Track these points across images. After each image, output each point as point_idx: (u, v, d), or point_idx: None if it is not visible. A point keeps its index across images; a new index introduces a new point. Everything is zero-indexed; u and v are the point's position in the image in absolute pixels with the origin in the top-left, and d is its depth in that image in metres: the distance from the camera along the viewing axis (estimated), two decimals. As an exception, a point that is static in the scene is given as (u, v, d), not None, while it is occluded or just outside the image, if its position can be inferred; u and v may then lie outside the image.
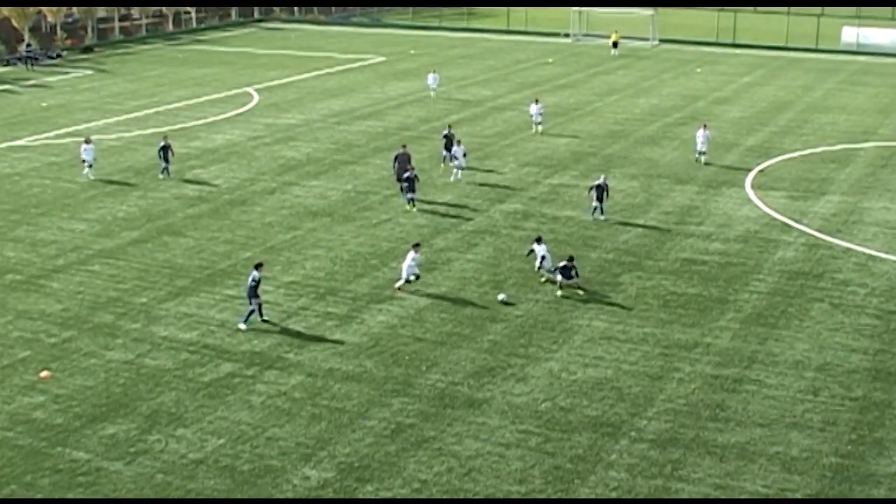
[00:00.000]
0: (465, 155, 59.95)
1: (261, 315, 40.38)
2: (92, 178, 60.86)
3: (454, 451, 31.22)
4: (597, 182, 52.12)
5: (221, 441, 32.09)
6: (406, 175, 54.05)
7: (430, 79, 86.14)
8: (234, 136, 72.25)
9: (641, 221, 52.13)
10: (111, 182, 60.36)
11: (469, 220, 52.47)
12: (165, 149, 61.25)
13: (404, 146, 58.64)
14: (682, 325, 39.90)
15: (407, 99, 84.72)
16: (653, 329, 39.52)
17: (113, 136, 72.90)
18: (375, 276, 45.10)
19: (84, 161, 61.27)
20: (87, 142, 61.59)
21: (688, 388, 34.85)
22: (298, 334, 39.63)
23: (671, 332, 39.20)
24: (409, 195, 54.08)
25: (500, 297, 42.51)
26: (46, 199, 57.96)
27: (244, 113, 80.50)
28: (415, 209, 53.75)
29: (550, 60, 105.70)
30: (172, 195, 58.12)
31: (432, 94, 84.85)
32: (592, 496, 28.77)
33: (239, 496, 29.11)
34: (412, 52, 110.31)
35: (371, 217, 53.13)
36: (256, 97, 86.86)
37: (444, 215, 53.38)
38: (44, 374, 36.87)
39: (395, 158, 57.79)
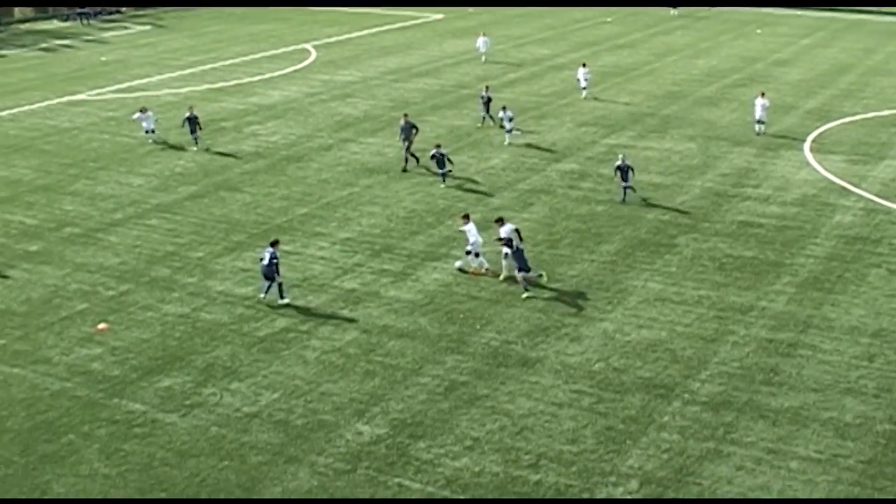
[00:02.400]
0: (511, 119, 59.15)
1: (281, 296, 38.93)
2: (151, 140, 60.32)
3: (507, 410, 31.29)
4: (617, 163, 49.51)
5: (275, 395, 32.34)
6: (432, 154, 52.18)
7: (480, 42, 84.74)
8: (291, 93, 72.41)
9: (698, 183, 51.78)
10: (168, 138, 60.67)
11: (525, 179, 52.33)
12: (191, 120, 58.71)
13: (405, 115, 56.10)
14: (737, 288, 39.67)
15: (464, 57, 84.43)
16: (708, 291, 39.33)
17: (170, 92, 73.25)
18: (431, 233, 45.15)
19: (146, 132, 60.39)
20: (143, 111, 60.83)
21: (742, 351, 34.69)
22: (353, 291, 39.79)
23: (726, 295, 38.99)
24: (441, 171, 51.78)
25: (457, 263, 41.80)
26: (104, 153, 58.46)
27: (301, 69, 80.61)
28: (443, 185, 51.69)
29: (609, 20, 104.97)
30: (230, 150, 58.40)
31: (483, 58, 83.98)
32: (644, 457, 28.76)
33: (292, 450, 29.34)
34: (470, 10, 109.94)
35: (427, 175, 53.10)
36: (314, 54, 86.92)
37: (500, 174, 53.27)
38: (101, 326, 37.30)
39: (401, 129, 54.86)
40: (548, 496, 27.32)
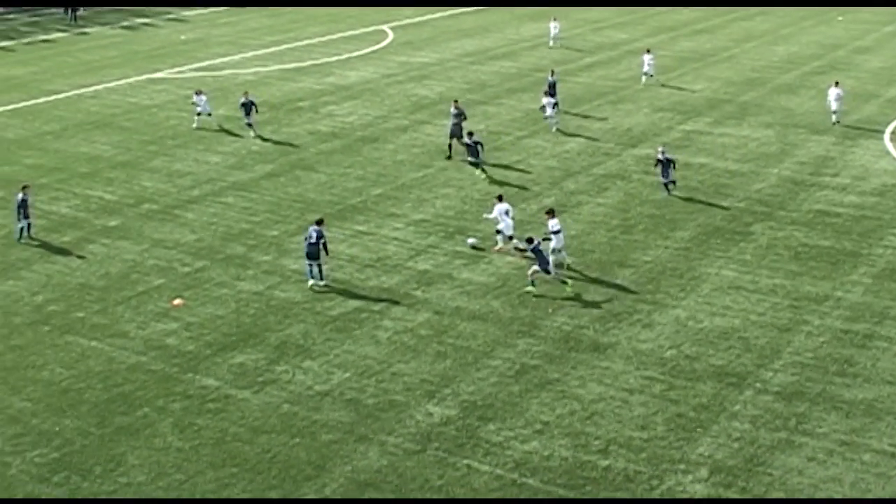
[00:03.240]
0: (555, 106, 58.29)
1: (321, 277, 38.94)
2: (195, 125, 59.20)
3: (577, 395, 31.30)
4: (658, 156, 48.33)
5: (347, 374, 32.58)
6: (465, 141, 51.33)
7: (552, 26, 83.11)
8: (367, 74, 72.64)
9: (775, 171, 51.31)
10: (244, 116, 61.10)
11: (600, 163, 52.17)
12: (247, 105, 57.53)
13: (456, 101, 55.77)
14: (812, 277, 39.31)
15: (542, 40, 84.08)
16: (782, 280, 39.02)
17: (249, 71, 73.80)
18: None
19: (200, 114, 59.22)
20: (199, 93, 59.99)
21: (816, 341, 34.40)
22: (426, 272, 39.93)
23: (801, 285, 38.65)
24: (472, 159, 50.78)
25: (470, 241, 41.89)
26: (183, 131, 59.04)
27: (378, 50, 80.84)
28: (481, 174, 50.57)
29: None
30: (306, 130, 58.76)
31: (550, 42, 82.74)
32: (714, 446, 28.64)
33: (362, 429, 29.55)
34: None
35: (501, 157, 53.07)
36: (391, 35, 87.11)
37: (575, 158, 53.15)
38: (177, 301, 37.75)
39: (452, 116, 53.93)
40: (616, 482, 27.32)
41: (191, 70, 74.50)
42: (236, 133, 58.16)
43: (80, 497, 27.08)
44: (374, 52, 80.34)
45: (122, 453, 28.81)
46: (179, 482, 27.60)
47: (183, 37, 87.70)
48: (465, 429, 29.64)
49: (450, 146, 52.85)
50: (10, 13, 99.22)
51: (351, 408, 30.75)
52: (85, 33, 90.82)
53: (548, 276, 37.92)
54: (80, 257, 41.84)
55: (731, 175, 50.55)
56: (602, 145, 55.44)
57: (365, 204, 46.96)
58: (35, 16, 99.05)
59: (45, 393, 31.94)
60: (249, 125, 57.76)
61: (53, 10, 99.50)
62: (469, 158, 50.95)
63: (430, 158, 53.11)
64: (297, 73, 73.40)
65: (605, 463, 28.06)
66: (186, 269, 40.53)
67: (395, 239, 42.83)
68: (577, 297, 37.53)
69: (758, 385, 31.68)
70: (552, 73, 62.24)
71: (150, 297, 38.26)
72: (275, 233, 43.76)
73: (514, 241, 41.11)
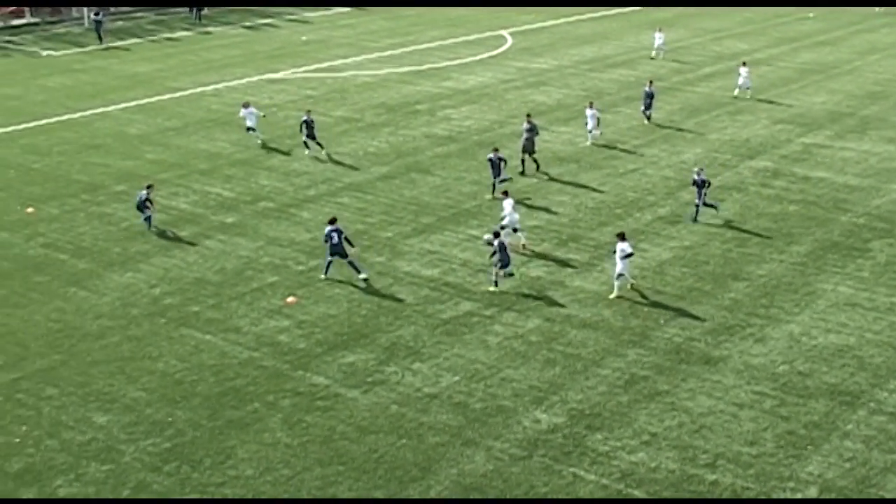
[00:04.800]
0: (598, 122, 56.66)
1: (359, 270, 39.56)
2: (259, 142, 57.19)
3: (686, 407, 31.05)
4: (693, 177, 45.94)
5: (456, 378, 32.69)
6: (489, 157, 48.43)
7: (656, 37, 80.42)
8: (485, 79, 72.76)
9: (896, 187, 50.45)
10: (362, 118, 61.59)
11: (717, 175, 51.65)
12: (307, 124, 54.49)
13: (529, 115, 53.84)
14: (932, 297, 38.58)
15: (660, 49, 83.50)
16: (901, 299, 38.35)
17: (368, 73, 74.38)
18: (619, 225, 44.84)
19: (249, 129, 56.66)
20: (246, 106, 57.26)
21: (934, 362, 33.76)
22: (538, 278, 39.90)
23: (920, 304, 37.96)
24: (495, 179, 48.31)
25: (486, 237, 40.95)
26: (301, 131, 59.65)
27: (497, 55, 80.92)
28: (490, 197, 48.42)
29: (811, 15, 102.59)
30: (422, 133, 59.06)
31: (653, 53, 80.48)
32: (825, 464, 28.24)
33: (469, 433, 29.64)
34: None
35: (618, 166, 52.84)
36: (510, 40, 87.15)
37: (691, 168, 52.66)
38: (290, 299, 38.19)
39: (525, 130, 52.14)
40: (724, 497, 27.06)
41: (310, 71, 75.26)
42: (351, 135, 58.66)
43: (189, 487, 27.55)
44: (492, 56, 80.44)
45: (232, 446, 29.25)
46: (287, 477, 27.95)
47: (304, 38, 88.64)
48: (573, 437, 29.59)
49: (522, 161, 51.85)
50: (136, 12, 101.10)
51: (459, 411, 30.85)
52: (208, 32, 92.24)
53: (501, 272, 38.60)
54: (197, 251, 42.56)
55: (851, 190, 49.73)
56: (719, 156, 54.89)
57: (479, 209, 47.05)
58: (161, 14, 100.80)
59: (159, 384, 32.57)
60: (306, 144, 54.94)
61: (179, 9, 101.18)
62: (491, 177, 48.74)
63: (545, 165, 52.98)
64: (415, 76, 73.79)
65: (712, 477, 27.81)
66: (300, 268, 40.99)
67: (509, 245, 42.88)
68: (689, 310, 37.23)
69: (872, 405, 31.15)
70: (650, 83, 61.61)
71: (264, 293, 38.77)
72: (389, 234, 44.05)
73: (520, 233, 42.15)
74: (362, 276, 39.55)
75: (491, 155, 48.28)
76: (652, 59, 78.89)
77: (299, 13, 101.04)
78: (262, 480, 27.86)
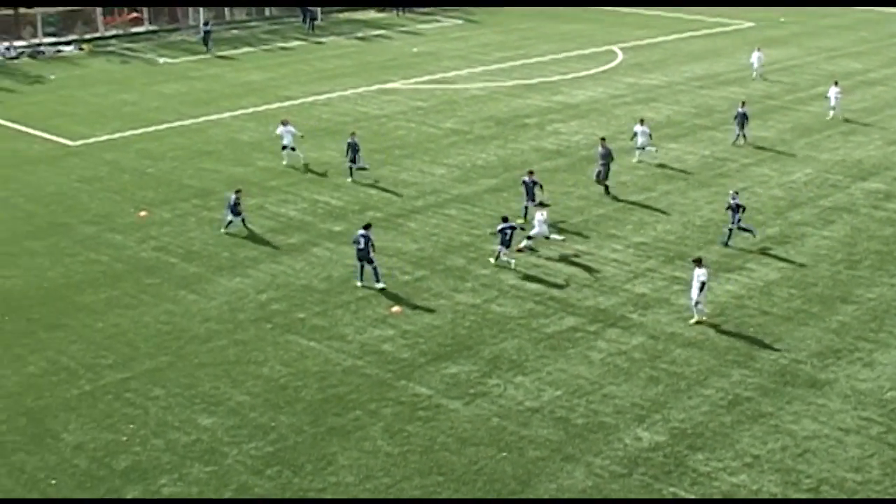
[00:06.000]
0: (650, 136, 56.19)
1: (361, 278, 40.50)
2: (285, 162, 55.89)
3: (790, 430, 30.68)
4: (729, 200, 44.99)
5: (558, 392, 32.65)
6: (523, 180, 47.48)
7: (755, 58, 78.24)
8: (595, 93, 72.58)
9: None
10: (471, 130, 61.75)
11: (827, 195, 50.98)
12: (353, 147, 52.77)
13: (603, 139, 53.01)
14: None
15: (773, 67, 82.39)
16: None
17: (478, 86, 74.61)
18: (727, 244, 44.44)
19: (284, 147, 55.38)
20: (284, 123, 55.71)
21: None
22: (643, 295, 39.71)
23: None
24: (527, 203, 47.15)
25: (525, 243, 43.21)
26: (410, 141, 60.07)
27: (607, 71, 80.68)
28: (521, 221, 46.36)
29: (782, 19, 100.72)
30: (531, 147, 59.09)
31: (754, 74, 78.44)
32: (933, 493, 27.77)
33: (570, 448, 29.60)
34: (782, 19, 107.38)
35: (727, 184, 52.29)
36: (620, 55, 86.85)
37: (801, 189, 52.07)
38: (395, 309, 38.45)
39: (600, 155, 51.40)
40: (827, 522, 26.70)
41: (421, 83, 75.70)
42: (460, 147, 58.89)
43: (290, 492, 27.85)
44: (602, 72, 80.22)
45: (333, 453, 29.51)
46: (386, 486, 28.13)
47: (415, 49, 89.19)
48: (674, 456, 29.40)
49: (604, 186, 51.16)
50: (251, 20, 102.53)
51: (560, 426, 30.82)
52: (321, 42, 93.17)
53: (502, 253, 41.91)
54: (304, 259, 43.03)
55: (967, 215, 48.77)
56: (830, 176, 54.16)
57: (586, 224, 46.95)
58: (275, 24, 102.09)
59: (263, 388, 32.99)
60: (350, 169, 53.21)
61: (292, 19, 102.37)
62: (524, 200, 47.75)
63: (653, 182, 52.75)
64: (525, 89, 73.85)
65: (815, 502, 27.46)
66: (406, 278, 41.24)
67: (615, 260, 42.73)
68: (795, 331, 36.77)
69: (983, 434, 30.55)
70: (742, 104, 60.65)
71: (370, 302, 39.07)
72: (495, 247, 44.11)
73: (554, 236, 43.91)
74: (379, 285, 40.03)
75: (526, 178, 47.34)
76: (753, 79, 77.57)
77: (412, 25, 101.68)
78: (362, 488, 28.08)
